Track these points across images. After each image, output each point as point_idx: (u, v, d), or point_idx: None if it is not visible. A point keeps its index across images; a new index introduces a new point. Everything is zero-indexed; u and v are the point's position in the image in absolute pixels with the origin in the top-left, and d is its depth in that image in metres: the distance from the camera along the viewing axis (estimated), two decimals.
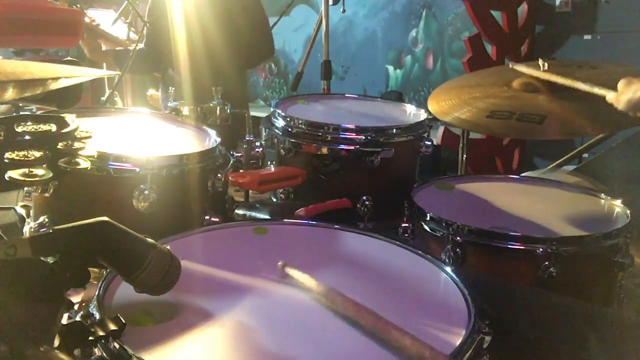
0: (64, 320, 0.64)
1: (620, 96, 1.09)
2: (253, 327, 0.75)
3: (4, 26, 1.72)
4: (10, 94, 0.76)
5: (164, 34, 1.78)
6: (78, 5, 2.27)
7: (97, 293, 0.77)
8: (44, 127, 0.75)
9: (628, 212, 1.23)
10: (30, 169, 0.70)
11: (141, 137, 1.34)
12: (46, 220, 1.12)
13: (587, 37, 3.38)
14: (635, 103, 1.05)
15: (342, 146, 1.37)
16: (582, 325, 0.92)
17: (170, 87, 1.59)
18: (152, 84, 2.82)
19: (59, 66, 0.93)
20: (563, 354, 0.90)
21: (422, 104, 1.63)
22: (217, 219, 1.20)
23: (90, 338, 0.65)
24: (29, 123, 0.75)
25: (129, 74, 2.55)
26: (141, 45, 2.20)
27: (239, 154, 1.44)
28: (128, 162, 1.08)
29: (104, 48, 2.53)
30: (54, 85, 0.83)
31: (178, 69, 1.73)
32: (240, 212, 1.32)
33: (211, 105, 1.56)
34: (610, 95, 1.13)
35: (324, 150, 1.38)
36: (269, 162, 1.49)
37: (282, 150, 1.43)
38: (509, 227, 1.14)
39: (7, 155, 0.68)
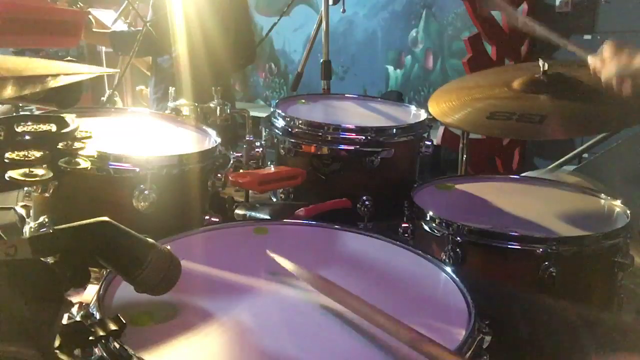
0: (64, 320, 0.64)
1: (607, 64, 0.99)
2: (253, 327, 0.75)
3: (4, 26, 1.72)
4: (10, 91, 0.76)
5: (165, 33, 1.78)
6: (78, 5, 2.27)
7: (97, 293, 0.77)
8: (44, 127, 0.75)
9: (628, 212, 1.23)
10: (30, 169, 0.70)
11: (141, 137, 1.34)
12: (46, 220, 1.12)
13: (587, 37, 3.38)
14: (625, 75, 0.95)
15: (342, 146, 1.37)
16: (580, 329, 0.92)
17: (170, 87, 1.59)
18: (143, 80, 2.83)
19: (59, 63, 0.93)
20: (561, 357, 0.90)
21: (422, 104, 1.63)
22: (217, 219, 1.20)
23: (91, 338, 0.65)
24: (29, 123, 0.75)
25: (125, 54, 2.54)
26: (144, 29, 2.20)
27: (239, 154, 1.44)
28: (128, 162, 1.08)
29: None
30: (54, 83, 0.83)
31: (178, 68, 1.73)
32: (240, 212, 1.32)
33: (211, 105, 1.57)
34: (593, 61, 1.03)
35: (324, 150, 1.38)
36: (269, 162, 1.49)
37: (282, 150, 1.43)
38: (509, 227, 1.14)
39: (7, 155, 0.68)
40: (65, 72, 0.84)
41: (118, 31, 2.48)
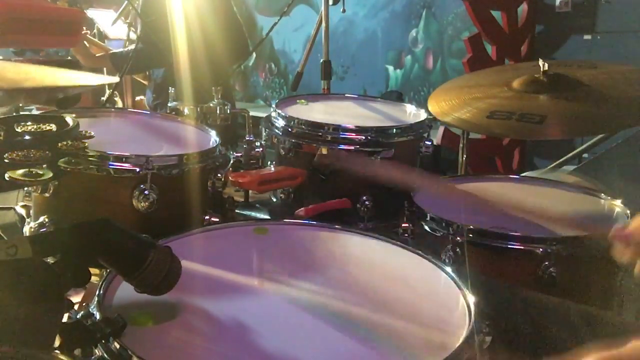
0: (64, 320, 0.64)
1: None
2: (253, 327, 0.75)
3: (4, 26, 1.72)
4: (10, 101, 0.76)
5: (162, 32, 1.78)
6: (78, 6, 2.27)
7: (97, 293, 0.77)
8: (44, 127, 0.75)
9: (628, 212, 1.23)
10: (30, 169, 0.70)
11: (141, 137, 1.34)
12: (46, 220, 1.12)
13: (587, 37, 3.38)
14: None
15: (342, 146, 1.37)
16: (581, 328, 0.92)
17: (170, 88, 1.59)
18: (141, 90, 2.86)
19: (60, 72, 0.93)
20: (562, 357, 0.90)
21: (422, 104, 1.63)
22: (217, 219, 1.20)
23: (91, 338, 0.65)
24: (29, 123, 0.75)
25: (128, 74, 2.57)
26: (139, 45, 2.21)
27: (239, 154, 1.44)
28: (128, 162, 1.08)
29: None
30: (56, 93, 0.83)
31: (177, 67, 1.73)
32: (240, 212, 1.32)
33: (211, 105, 1.57)
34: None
35: (324, 150, 1.38)
36: (269, 162, 1.49)
37: (282, 150, 1.43)
38: (509, 227, 1.14)
39: (7, 155, 0.68)
40: (67, 83, 0.84)
41: (117, 52, 2.49)
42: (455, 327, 0.76)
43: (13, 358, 0.53)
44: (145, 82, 2.74)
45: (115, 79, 2.20)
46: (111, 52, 2.51)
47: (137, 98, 2.86)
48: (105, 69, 2.55)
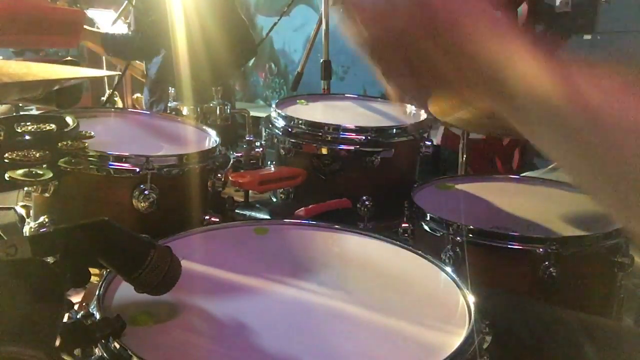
0: (64, 320, 0.64)
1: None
2: (253, 327, 0.75)
3: (4, 26, 1.72)
4: (12, 95, 0.76)
5: (163, 32, 1.78)
6: (78, 6, 2.27)
7: (97, 293, 0.77)
8: (44, 127, 0.75)
9: None
10: (31, 169, 0.70)
11: (141, 137, 1.34)
12: (46, 220, 1.12)
13: (587, 37, 3.38)
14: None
15: (342, 146, 1.37)
16: (580, 334, 0.92)
17: (170, 88, 1.59)
18: (139, 87, 2.85)
19: (60, 67, 0.93)
20: (561, 357, 0.90)
21: None
22: (217, 219, 1.20)
23: (91, 338, 0.65)
24: (29, 123, 0.74)
25: (117, 57, 2.55)
26: (127, 31, 2.21)
27: (239, 154, 1.44)
28: (128, 162, 1.08)
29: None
30: (56, 86, 0.83)
31: (178, 67, 1.73)
32: (240, 212, 1.32)
33: (211, 105, 1.57)
34: None
35: (324, 150, 1.38)
36: (269, 162, 1.49)
37: (282, 150, 1.43)
38: (509, 227, 1.14)
39: (7, 155, 0.68)
40: (67, 76, 0.84)
41: (111, 34, 2.48)
42: (455, 327, 0.76)
43: (13, 358, 0.53)
44: (144, 80, 2.74)
45: (115, 73, 2.20)
46: (104, 32, 2.48)
47: (134, 96, 2.86)
48: (104, 59, 2.55)
